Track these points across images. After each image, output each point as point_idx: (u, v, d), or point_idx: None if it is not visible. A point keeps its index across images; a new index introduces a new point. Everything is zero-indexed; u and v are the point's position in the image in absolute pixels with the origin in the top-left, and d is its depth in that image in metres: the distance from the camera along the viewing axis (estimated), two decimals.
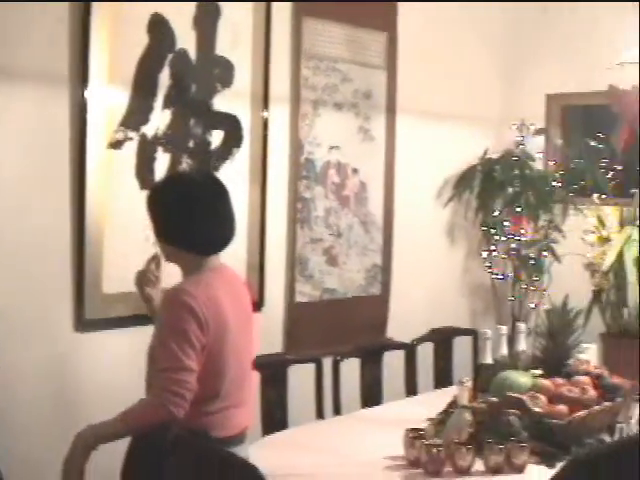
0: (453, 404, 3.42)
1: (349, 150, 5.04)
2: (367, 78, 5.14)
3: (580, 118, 6.24)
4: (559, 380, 3.57)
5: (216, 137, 4.40)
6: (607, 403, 3.52)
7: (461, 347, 4.87)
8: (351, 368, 4.28)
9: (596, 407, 3.45)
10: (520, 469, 3.10)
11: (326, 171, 4.92)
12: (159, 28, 4.10)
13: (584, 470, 2.47)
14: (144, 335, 3.00)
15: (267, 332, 4.53)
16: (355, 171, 5.08)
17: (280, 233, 4.73)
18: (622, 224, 4.49)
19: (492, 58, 6.04)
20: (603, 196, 5.34)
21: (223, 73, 4.40)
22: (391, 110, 5.27)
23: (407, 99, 5.36)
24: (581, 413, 3.36)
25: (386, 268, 5.29)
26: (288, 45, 4.71)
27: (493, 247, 5.63)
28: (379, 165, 5.23)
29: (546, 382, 3.52)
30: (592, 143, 5.68)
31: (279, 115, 4.67)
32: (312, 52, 4.80)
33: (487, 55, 6.00)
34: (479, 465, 3.10)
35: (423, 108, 5.50)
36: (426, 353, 4.68)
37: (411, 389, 4.47)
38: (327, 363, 4.20)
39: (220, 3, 4.33)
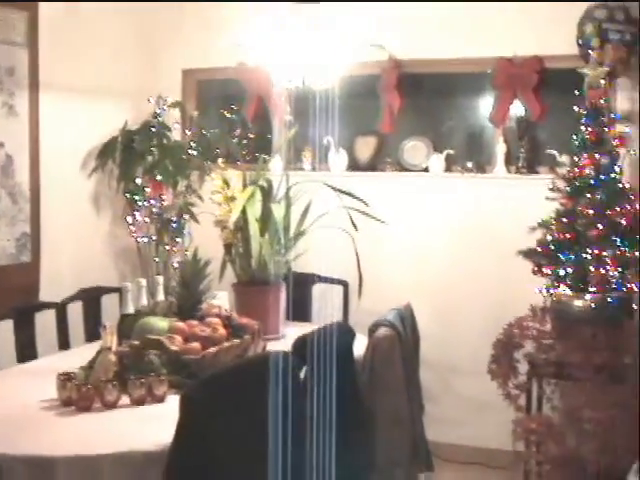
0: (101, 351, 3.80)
1: None
2: (10, 56, 5.33)
3: (214, 91, 6.73)
4: (193, 322, 4.02)
5: None
6: (236, 340, 4.03)
7: (110, 304, 5.23)
8: (6, 330, 4.53)
9: (225, 344, 3.94)
10: (161, 399, 3.54)
11: None
12: None
13: (206, 386, 2.98)
14: None
15: None
16: (1, 145, 5.28)
17: None
18: (245, 185, 5.00)
19: (131, 35, 6.38)
20: (238, 162, 5.85)
21: None
22: (34, 86, 5.48)
23: (50, 75, 5.58)
24: (212, 349, 3.84)
25: (35, 236, 5.53)
26: None
27: (137, 212, 5.98)
28: (24, 139, 5.44)
29: (181, 324, 3.96)
30: (226, 114, 6.20)
31: None
32: None
33: (126, 32, 6.34)
34: (126, 400, 3.51)
35: (66, 83, 5.76)
36: (77, 311, 5.03)
37: (64, 345, 4.78)
38: None
39: None
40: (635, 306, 4.68)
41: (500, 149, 5.84)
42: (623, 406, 4.09)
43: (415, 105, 6.14)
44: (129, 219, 5.98)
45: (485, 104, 5.98)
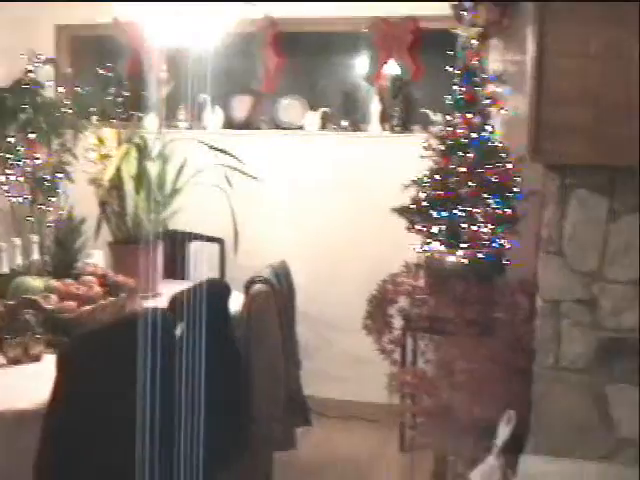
0: None
1: None
2: None
3: (90, 48, 6.64)
4: (68, 281, 4.01)
5: None
6: (112, 298, 4.04)
7: None
8: None
9: (101, 302, 3.95)
10: (37, 358, 3.53)
11: None
12: None
13: (82, 344, 2.98)
14: None
15: None
16: None
17: None
18: (120, 143, 4.97)
19: None
20: (113, 120, 5.79)
21: None
22: None
23: None
24: (88, 307, 3.84)
25: None
26: None
27: (10, 172, 5.88)
28: None
29: (56, 283, 3.95)
30: (101, 71, 6.11)
31: None
32: None
33: None
34: (1, 359, 3.49)
35: None
36: None
37: None
38: None
39: None
40: (506, 262, 4.82)
41: (375, 108, 5.90)
42: (494, 358, 4.21)
43: (291, 64, 6.15)
44: (1, 178, 5.87)
45: (361, 63, 6.04)
